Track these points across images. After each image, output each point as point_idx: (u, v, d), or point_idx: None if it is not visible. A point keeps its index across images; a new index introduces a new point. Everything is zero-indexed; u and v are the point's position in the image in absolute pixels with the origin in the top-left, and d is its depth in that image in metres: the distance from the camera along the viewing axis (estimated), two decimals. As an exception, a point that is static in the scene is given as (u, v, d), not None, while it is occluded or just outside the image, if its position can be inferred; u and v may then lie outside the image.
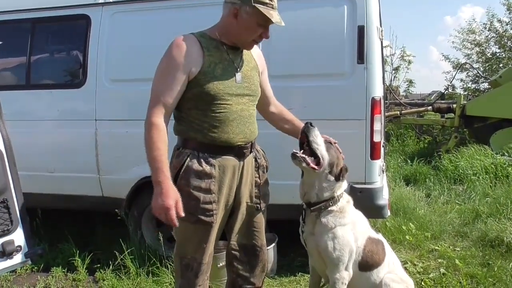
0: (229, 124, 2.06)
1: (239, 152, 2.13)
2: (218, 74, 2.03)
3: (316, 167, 2.22)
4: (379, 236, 2.53)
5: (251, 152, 2.21)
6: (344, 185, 2.36)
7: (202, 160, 2.05)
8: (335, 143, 2.34)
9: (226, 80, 2.04)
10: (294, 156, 2.20)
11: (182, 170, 2.05)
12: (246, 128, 2.12)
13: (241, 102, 2.09)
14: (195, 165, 2.04)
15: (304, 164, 2.21)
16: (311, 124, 2.24)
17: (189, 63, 1.98)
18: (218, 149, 2.07)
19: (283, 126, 2.42)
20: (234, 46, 2.10)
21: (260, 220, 2.31)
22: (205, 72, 2.00)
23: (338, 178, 2.29)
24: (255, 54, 2.26)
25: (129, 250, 3.50)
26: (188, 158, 2.06)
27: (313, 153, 2.22)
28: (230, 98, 2.05)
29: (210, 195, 2.06)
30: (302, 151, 2.22)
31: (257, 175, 2.26)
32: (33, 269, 3.71)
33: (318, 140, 2.23)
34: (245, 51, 2.17)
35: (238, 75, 2.09)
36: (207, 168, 2.04)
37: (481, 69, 13.90)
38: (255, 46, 2.28)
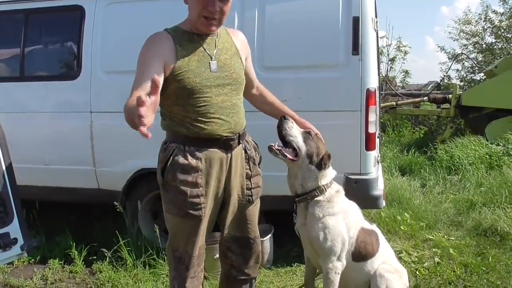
0: (211, 116, 2.03)
1: (225, 144, 2.10)
2: (193, 67, 1.99)
3: (294, 158, 2.26)
4: (373, 227, 2.54)
5: (239, 143, 2.18)
6: (329, 174, 2.36)
7: (187, 154, 2.03)
8: (316, 134, 2.35)
9: (202, 72, 2.00)
10: (270, 149, 2.24)
11: (168, 165, 2.04)
12: (230, 119, 2.08)
13: (222, 93, 2.05)
14: (181, 159, 2.03)
15: (281, 156, 2.24)
16: (284, 117, 2.26)
17: (163, 57, 1.95)
18: (203, 142, 2.05)
19: (263, 107, 2.43)
20: (203, 33, 2.05)
21: (253, 212, 2.30)
22: (179, 66, 1.97)
23: (320, 167, 2.30)
24: (236, 40, 2.20)
25: (125, 241, 3.52)
26: (174, 152, 2.04)
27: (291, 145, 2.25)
28: (208, 90, 2.01)
29: (197, 189, 2.04)
30: (277, 143, 2.26)
31: (248, 167, 2.24)
32: (30, 261, 3.71)
33: (292, 132, 2.25)
34: (223, 38, 2.12)
35: (213, 64, 2.04)
36: (193, 161, 2.03)
37: (479, 58, 13.90)
38: (239, 32, 2.26)
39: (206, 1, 1.94)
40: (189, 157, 2.03)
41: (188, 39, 2.03)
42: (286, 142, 2.26)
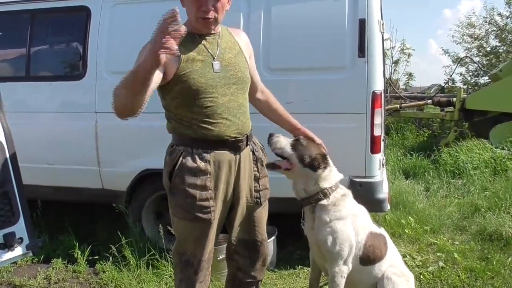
0: (218, 117, 2.01)
1: (233, 145, 2.08)
2: (197, 67, 1.98)
3: (289, 166, 2.30)
4: (381, 231, 2.53)
5: (247, 145, 2.16)
6: (332, 177, 2.36)
7: (196, 157, 2.01)
8: (317, 142, 2.37)
9: (206, 73, 1.99)
10: (266, 166, 2.29)
11: (176, 168, 2.02)
12: (237, 120, 2.07)
13: (228, 92, 2.04)
14: (189, 162, 2.01)
15: (277, 169, 2.31)
16: (270, 135, 2.31)
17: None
18: (211, 144, 2.03)
19: (268, 114, 2.41)
20: (204, 33, 2.05)
21: (261, 214, 2.29)
22: (183, 67, 1.96)
23: (313, 167, 2.29)
24: (240, 40, 2.19)
25: (128, 240, 3.52)
26: (182, 155, 2.02)
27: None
28: (214, 90, 2.00)
29: (206, 191, 2.02)
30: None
31: (256, 169, 2.22)
32: (34, 261, 3.71)
33: (279, 144, 2.30)
34: (225, 37, 2.12)
35: (216, 64, 2.02)
36: (201, 164, 2.01)
37: (483, 62, 13.85)
38: (241, 32, 2.26)
39: (199, 1, 1.95)
40: (198, 160, 2.01)
41: (190, 40, 2.01)
42: (282, 157, 2.31)
